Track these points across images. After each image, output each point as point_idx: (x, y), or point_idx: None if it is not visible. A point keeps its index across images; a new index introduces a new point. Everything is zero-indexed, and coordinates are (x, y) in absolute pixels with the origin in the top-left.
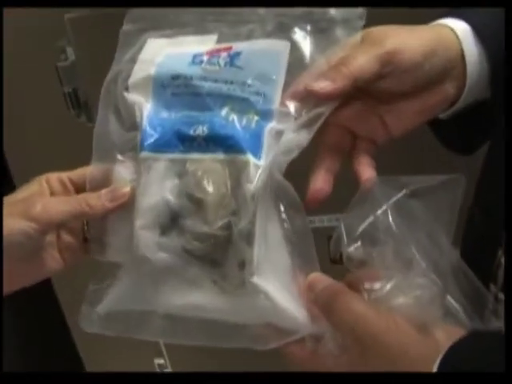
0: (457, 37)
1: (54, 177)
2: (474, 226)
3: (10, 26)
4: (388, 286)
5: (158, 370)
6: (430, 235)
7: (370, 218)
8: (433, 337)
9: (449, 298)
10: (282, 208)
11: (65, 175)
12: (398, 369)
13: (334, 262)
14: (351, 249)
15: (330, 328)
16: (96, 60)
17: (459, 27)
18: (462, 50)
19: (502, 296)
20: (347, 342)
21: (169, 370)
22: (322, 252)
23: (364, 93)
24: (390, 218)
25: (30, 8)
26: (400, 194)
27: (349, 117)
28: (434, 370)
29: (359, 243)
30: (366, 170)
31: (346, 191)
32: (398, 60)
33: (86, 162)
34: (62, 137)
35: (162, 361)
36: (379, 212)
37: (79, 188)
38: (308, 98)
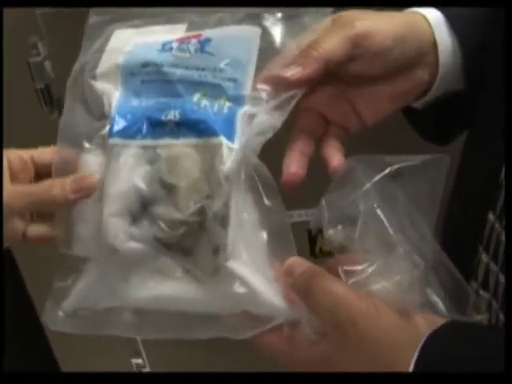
0: (429, 24)
1: (16, 155)
2: (453, 218)
3: None
4: (368, 270)
5: (135, 370)
6: (411, 219)
7: (352, 198)
8: (413, 322)
9: (428, 289)
10: (258, 190)
11: (27, 154)
12: (378, 353)
13: (314, 256)
14: (331, 232)
15: (308, 313)
16: (68, 55)
17: (431, 15)
18: (434, 38)
19: (483, 293)
20: (326, 327)
21: (147, 370)
22: (301, 246)
23: (335, 78)
24: (372, 199)
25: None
26: (383, 174)
27: (321, 102)
28: (415, 356)
29: (340, 227)
30: (335, 156)
31: (325, 185)
32: (369, 43)
33: None
34: (35, 134)
35: (140, 360)
36: (361, 192)
37: (40, 169)
38: (278, 83)
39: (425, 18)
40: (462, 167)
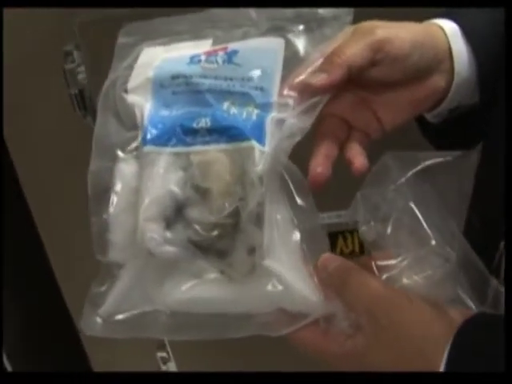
0: (445, 34)
1: None
2: (472, 235)
3: (18, 27)
4: (400, 265)
5: (160, 364)
6: (442, 215)
7: (385, 194)
8: (447, 315)
9: (458, 284)
10: (290, 191)
11: None
12: (412, 345)
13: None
14: (364, 228)
15: (342, 307)
16: (101, 63)
17: (447, 26)
18: (449, 47)
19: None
20: (361, 320)
21: (172, 363)
22: None
23: (356, 84)
24: (405, 195)
25: (37, 10)
26: (415, 170)
27: (343, 108)
28: (448, 347)
29: (372, 223)
30: (358, 157)
31: (346, 188)
32: (389, 48)
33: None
34: (68, 137)
35: (164, 354)
36: (394, 188)
37: None
38: (305, 90)
39: (441, 28)
40: (479, 178)
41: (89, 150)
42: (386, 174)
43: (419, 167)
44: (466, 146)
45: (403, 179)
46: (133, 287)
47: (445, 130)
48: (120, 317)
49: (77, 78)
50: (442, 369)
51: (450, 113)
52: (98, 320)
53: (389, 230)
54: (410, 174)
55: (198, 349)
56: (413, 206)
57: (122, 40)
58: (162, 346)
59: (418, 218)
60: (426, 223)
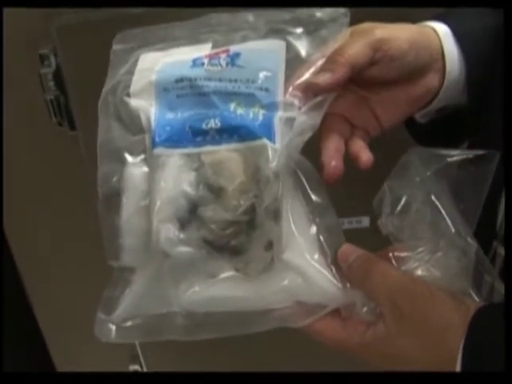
0: (437, 35)
1: None
2: None
3: None
4: (418, 258)
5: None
6: (459, 211)
7: (408, 187)
8: (465, 304)
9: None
10: (303, 185)
11: None
12: (433, 334)
13: None
14: (383, 220)
15: (362, 296)
16: (80, 67)
17: (440, 27)
18: (441, 47)
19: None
20: (383, 309)
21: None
22: None
23: (356, 83)
24: (427, 188)
25: (12, 10)
26: (438, 166)
27: (345, 106)
28: (464, 334)
29: (391, 216)
30: (363, 152)
31: (366, 193)
32: (388, 47)
33: (66, 167)
34: (43, 144)
35: (137, 367)
36: (417, 182)
37: None
38: (310, 89)
39: (434, 29)
40: None
41: (64, 158)
42: (409, 169)
43: (442, 163)
44: (452, 145)
45: (425, 174)
46: (147, 291)
47: (431, 130)
48: (134, 321)
49: (53, 83)
50: (459, 356)
51: (437, 112)
52: (112, 326)
53: (408, 222)
54: (432, 169)
55: (172, 362)
56: (433, 198)
57: (116, 47)
58: (134, 358)
59: (438, 209)
60: (446, 215)
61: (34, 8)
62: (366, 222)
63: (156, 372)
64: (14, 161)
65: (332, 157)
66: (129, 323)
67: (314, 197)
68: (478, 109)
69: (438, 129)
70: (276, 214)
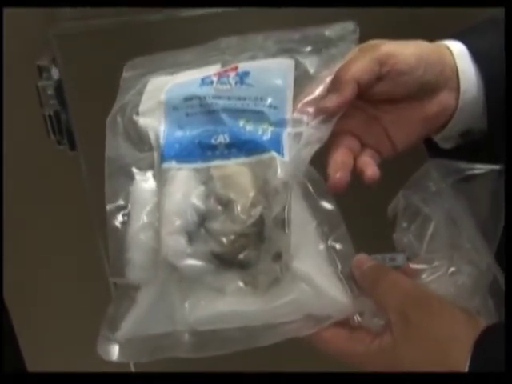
0: (451, 53)
1: None
2: None
3: None
4: (432, 272)
5: None
6: (477, 226)
7: (425, 200)
8: (474, 318)
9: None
10: (312, 196)
11: None
12: (440, 346)
13: None
14: (398, 234)
15: (371, 305)
16: (82, 81)
17: (454, 46)
18: (456, 65)
19: None
20: (391, 319)
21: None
22: None
23: (365, 101)
24: (444, 202)
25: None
26: (456, 178)
27: (355, 125)
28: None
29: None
30: (369, 166)
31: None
32: (394, 61)
33: (65, 188)
34: (38, 163)
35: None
36: (434, 194)
37: None
38: (320, 114)
39: (448, 48)
40: None
41: (62, 177)
42: (425, 180)
43: (460, 176)
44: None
45: (443, 186)
46: (153, 308)
47: (456, 157)
48: (139, 341)
49: (53, 97)
50: (466, 370)
51: (461, 137)
52: (115, 345)
53: (425, 238)
54: (449, 182)
55: (161, 362)
56: (451, 212)
57: (127, 74)
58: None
59: (456, 226)
60: (465, 232)
61: (34, 8)
62: (400, 259)
63: (146, 372)
64: (11, 179)
65: (338, 169)
66: (133, 343)
67: (322, 207)
68: (500, 133)
69: (462, 156)
70: (284, 224)
